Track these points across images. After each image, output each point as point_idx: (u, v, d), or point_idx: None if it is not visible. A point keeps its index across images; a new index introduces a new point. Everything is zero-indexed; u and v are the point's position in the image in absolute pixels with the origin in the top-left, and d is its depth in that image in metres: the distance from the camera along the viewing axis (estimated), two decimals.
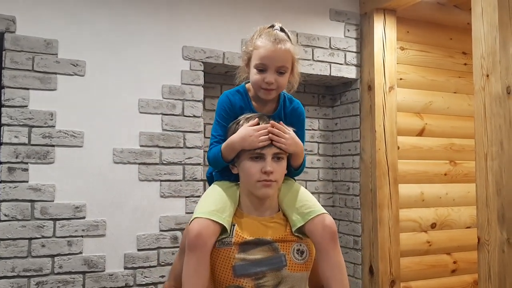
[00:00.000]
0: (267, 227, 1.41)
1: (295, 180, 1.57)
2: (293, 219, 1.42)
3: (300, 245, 1.42)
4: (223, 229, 1.37)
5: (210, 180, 1.58)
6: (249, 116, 1.43)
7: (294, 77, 1.50)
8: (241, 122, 1.42)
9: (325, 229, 1.37)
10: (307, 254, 1.42)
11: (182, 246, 1.48)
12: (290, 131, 1.42)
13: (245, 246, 1.37)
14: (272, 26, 1.46)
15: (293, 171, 1.51)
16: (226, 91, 1.52)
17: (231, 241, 1.36)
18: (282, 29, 1.46)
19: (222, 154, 1.42)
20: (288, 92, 1.55)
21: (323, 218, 1.39)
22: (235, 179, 1.48)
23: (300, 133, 1.51)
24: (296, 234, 1.42)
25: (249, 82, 1.50)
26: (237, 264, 1.35)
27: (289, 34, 1.46)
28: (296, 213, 1.42)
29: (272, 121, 1.40)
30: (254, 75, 1.44)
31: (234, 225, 1.39)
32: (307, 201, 1.44)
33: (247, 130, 1.38)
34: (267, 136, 1.36)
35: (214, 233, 1.34)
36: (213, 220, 1.34)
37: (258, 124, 1.39)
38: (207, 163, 2.62)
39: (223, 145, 1.42)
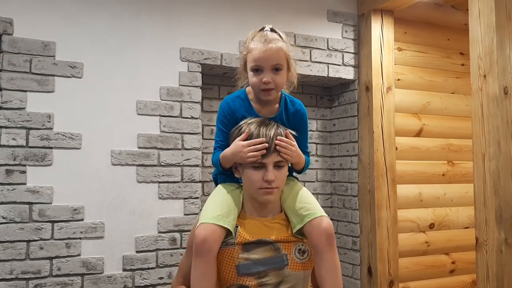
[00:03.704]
0: (269, 228, 1.44)
1: (298, 179, 1.59)
2: (293, 221, 1.45)
3: (302, 244, 1.45)
4: (228, 232, 1.40)
5: (215, 181, 1.61)
6: (251, 121, 1.45)
7: (292, 74, 1.51)
8: (243, 128, 1.44)
9: (322, 231, 1.39)
10: (308, 254, 1.45)
11: (189, 245, 1.51)
12: (294, 143, 1.44)
13: (248, 246, 1.40)
14: (263, 29, 1.48)
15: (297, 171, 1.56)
16: (226, 97, 1.54)
17: (234, 242, 1.40)
18: (272, 30, 1.48)
19: (220, 163, 1.48)
20: (288, 90, 1.55)
21: (321, 221, 1.41)
22: (239, 181, 1.52)
23: (303, 134, 1.54)
24: (296, 236, 1.44)
25: (249, 86, 1.52)
26: (241, 263, 1.39)
27: (281, 34, 1.47)
28: (295, 215, 1.44)
29: (279, 137, 1.40)
30: (251, 77, 1.46)
31: (237, 227, 1.43)
32: (307, 203, 1.46)
33: (237, 146, 1.41)
34: (256, 153, 1.38)
35: (219, 238, 1.38)
36: (219, 225, 1.37)
37: (248, 137, 1.40)
38: (205, 165, 2.65)
39: (221, 155, 1.47)
